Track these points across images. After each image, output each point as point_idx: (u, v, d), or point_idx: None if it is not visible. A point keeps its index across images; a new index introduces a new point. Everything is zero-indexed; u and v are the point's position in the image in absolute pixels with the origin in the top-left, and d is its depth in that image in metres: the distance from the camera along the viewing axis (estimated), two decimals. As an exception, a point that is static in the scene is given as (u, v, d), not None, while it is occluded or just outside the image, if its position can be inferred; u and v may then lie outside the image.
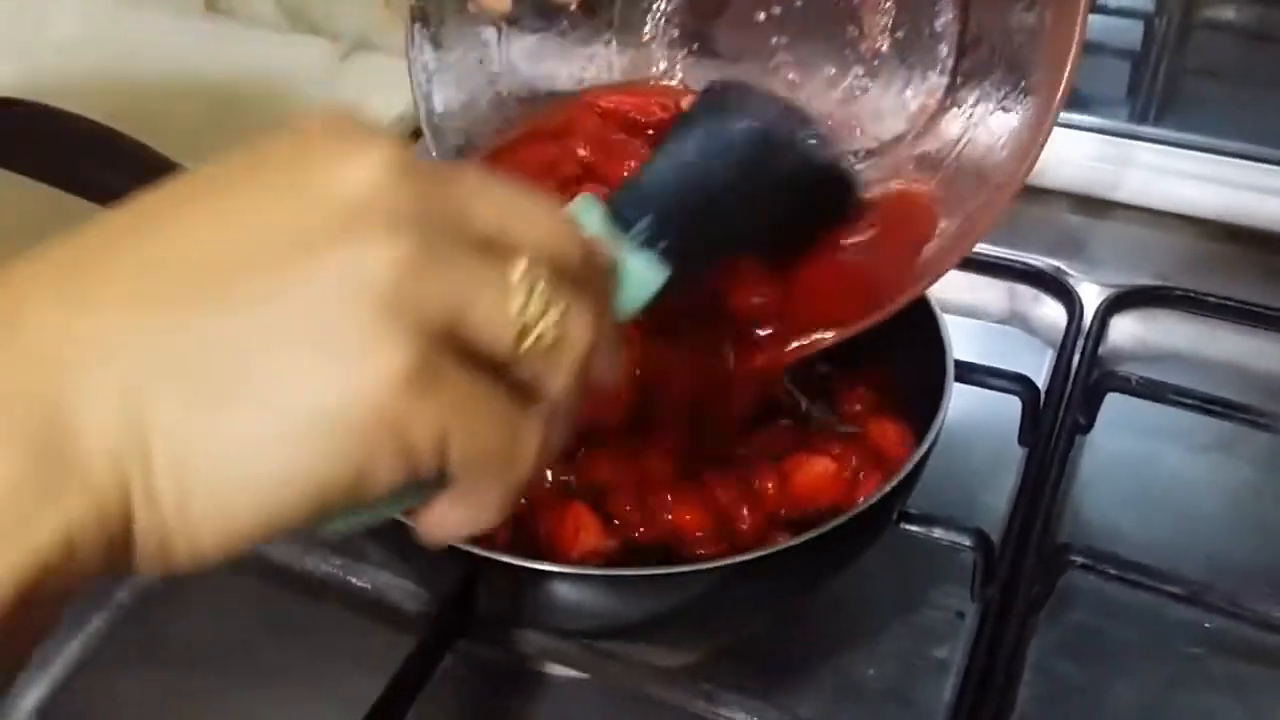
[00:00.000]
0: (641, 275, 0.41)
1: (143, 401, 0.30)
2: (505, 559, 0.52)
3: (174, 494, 0.30)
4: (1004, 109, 0.58)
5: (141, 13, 1.15)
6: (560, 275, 0.34)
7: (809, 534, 0.54)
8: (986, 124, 0.60)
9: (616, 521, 0.56)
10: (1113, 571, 0.61)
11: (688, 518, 0.57)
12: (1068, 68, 0.50)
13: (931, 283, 0.58)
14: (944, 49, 0.61)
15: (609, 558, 0.55)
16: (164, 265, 0.31)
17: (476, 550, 0.52)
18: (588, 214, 0.41)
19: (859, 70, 0.62)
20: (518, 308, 0.33)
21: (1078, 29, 0.50)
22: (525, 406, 0.34)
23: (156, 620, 0.65)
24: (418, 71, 0.61)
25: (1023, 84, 0.57)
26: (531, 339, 0.33)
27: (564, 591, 0.53)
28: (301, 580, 0.62)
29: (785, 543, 0.53)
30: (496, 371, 0.33)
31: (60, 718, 0.60)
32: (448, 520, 0.36)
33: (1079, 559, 0.61)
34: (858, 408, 0.68)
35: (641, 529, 0.57)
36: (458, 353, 0.32)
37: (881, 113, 0.62)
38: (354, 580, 0.60)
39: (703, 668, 0.61)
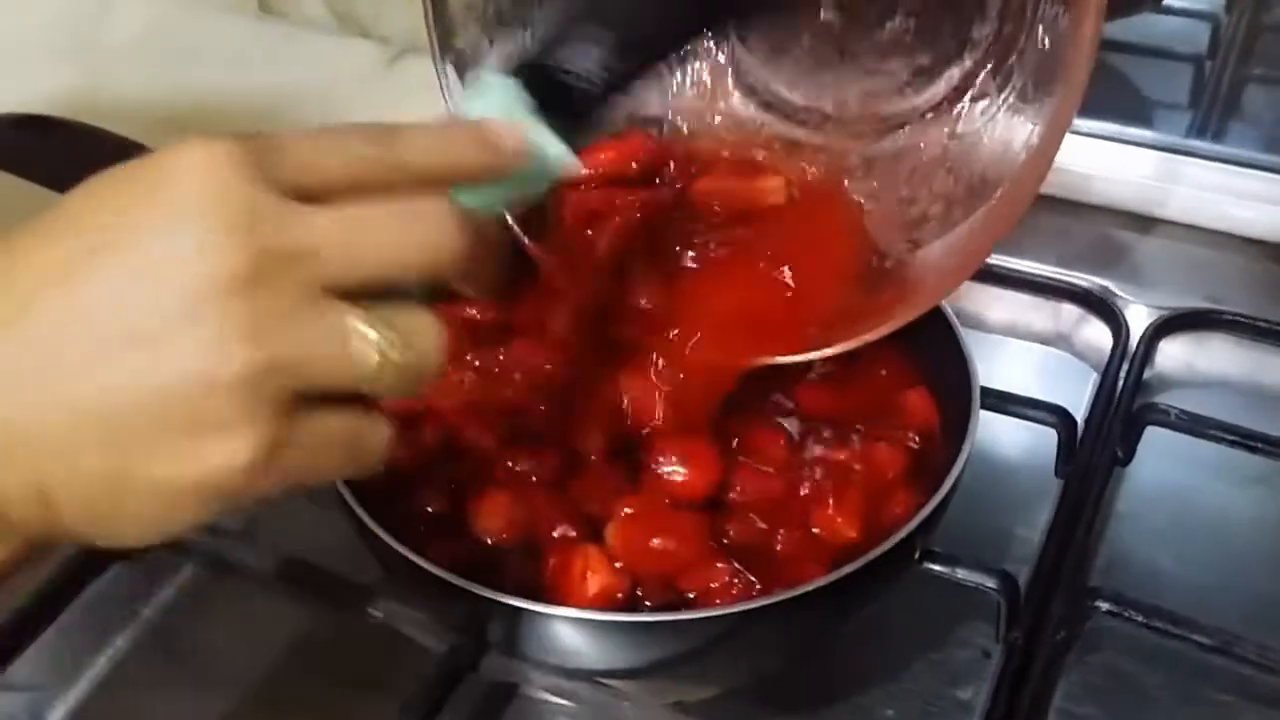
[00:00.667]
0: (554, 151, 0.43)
1: (42, 484, 0.35)
2: (512, 601, 0.52)
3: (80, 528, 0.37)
4: (1021, 110, 0.57)
5: (197, 14, 1.16)
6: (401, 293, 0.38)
7: (827, 577, 0.53)
8: (1002, 123, 0.58)
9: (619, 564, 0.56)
10: (1140, 619, 0.59)
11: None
12: (1080, 72, 0.48)
13: (939, 297, 0.57)
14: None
15: (621, 601, 0.55)
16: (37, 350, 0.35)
17: (483, 591, 0.52)
18: (487, 97, 0.42)
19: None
20: (356, 354, 0.36)
21: (1089, 34, 0.48)
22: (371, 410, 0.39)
23: (180, 639, 0.66)
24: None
25: (1044, 87, 0.56)
26: (376, 369, 0.36)
27: (572, 634, 0.53)
28: (322, 605, 0.62)
29: (802, 587, 0.53)
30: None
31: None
32: None
33: (1105, 605, 0.60)
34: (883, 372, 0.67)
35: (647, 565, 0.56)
36: (308, 401, 0.36)
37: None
38: (370, 610, 0.60)
39: (716, 704, 0.61)
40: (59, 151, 0.71)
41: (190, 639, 0.66)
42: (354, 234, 0.36)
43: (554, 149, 0.44)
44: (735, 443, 0.62)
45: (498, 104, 0.43)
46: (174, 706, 0.63)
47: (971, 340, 0.80)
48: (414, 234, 0.37)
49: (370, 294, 0.36)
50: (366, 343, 0.36)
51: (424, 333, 0.38)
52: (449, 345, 0.38)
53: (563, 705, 0.60)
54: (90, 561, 0.64)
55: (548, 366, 0.64)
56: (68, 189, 0.68)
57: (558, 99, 0.45)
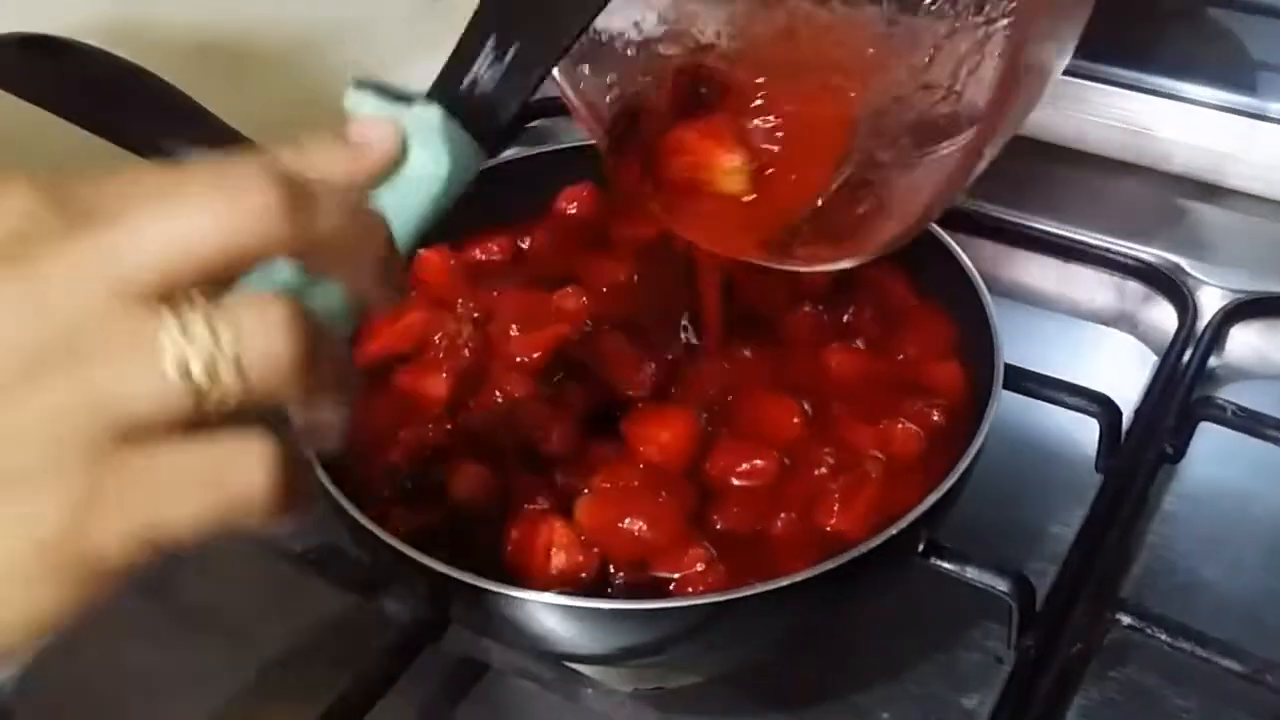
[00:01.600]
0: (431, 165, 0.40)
1: None
2: (472, 581, 0.48)
3: None
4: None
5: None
6: (222, 283, 0.31)
7: (810, 570, 0.49)
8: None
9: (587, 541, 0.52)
10: (1163, 637, 0.54)
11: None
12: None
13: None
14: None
15: (586, 581, 0.51)
16: None
17: (440, 567, 0.49)
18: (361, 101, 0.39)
19: None
20: (175, 367, 0.29)
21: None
22: (239, 430, 0.31)
23: (156, 586, 0.64)
24: None
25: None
26: (202, 387, 0.29)
27: (532, 616, 0.50)
28: (292, 563, 0.60)
29: (781, 580, 0.48)
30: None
31: (56, 679, 0.60)
32: None
33: (1127, 619, 0.54)
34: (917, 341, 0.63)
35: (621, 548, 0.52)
36: (137, 438, 0.29)
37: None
38: (334, 573, 0.57)
39: (695, 693, 0.57)
40: (65, 75, 0.69)
41: (166, 589, 0.64)
42: (157, 216, 0.30)
43: (452, 143, 0.40)
44: (739, 417, 0.58)
45: (372, 105, 0.40)
46: (134, 653, 0.61)
47: (1022, 316, 0.76)
48: (232, 199, 0.30)
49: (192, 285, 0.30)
50: (185, 355, 0.29)
51: (262, 322, 0.30)
52: (302, 332, 0.31)
53: (529, 687, 0.56)
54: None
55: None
56: (72, 113, 0.67)
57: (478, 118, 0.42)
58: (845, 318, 0.64)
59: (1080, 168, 0.84)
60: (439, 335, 0.60)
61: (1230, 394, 0.68)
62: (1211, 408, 0.64)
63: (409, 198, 0.40)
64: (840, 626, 0.59)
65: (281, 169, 0.31)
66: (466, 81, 0.43)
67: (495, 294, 0.63)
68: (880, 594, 0.56)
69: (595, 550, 0.51)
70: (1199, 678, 0.56)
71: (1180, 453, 0.65)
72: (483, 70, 0.42)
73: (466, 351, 0.59)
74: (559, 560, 0.51)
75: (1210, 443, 0.66)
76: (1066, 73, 0.84)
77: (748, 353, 0.61)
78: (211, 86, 0.67)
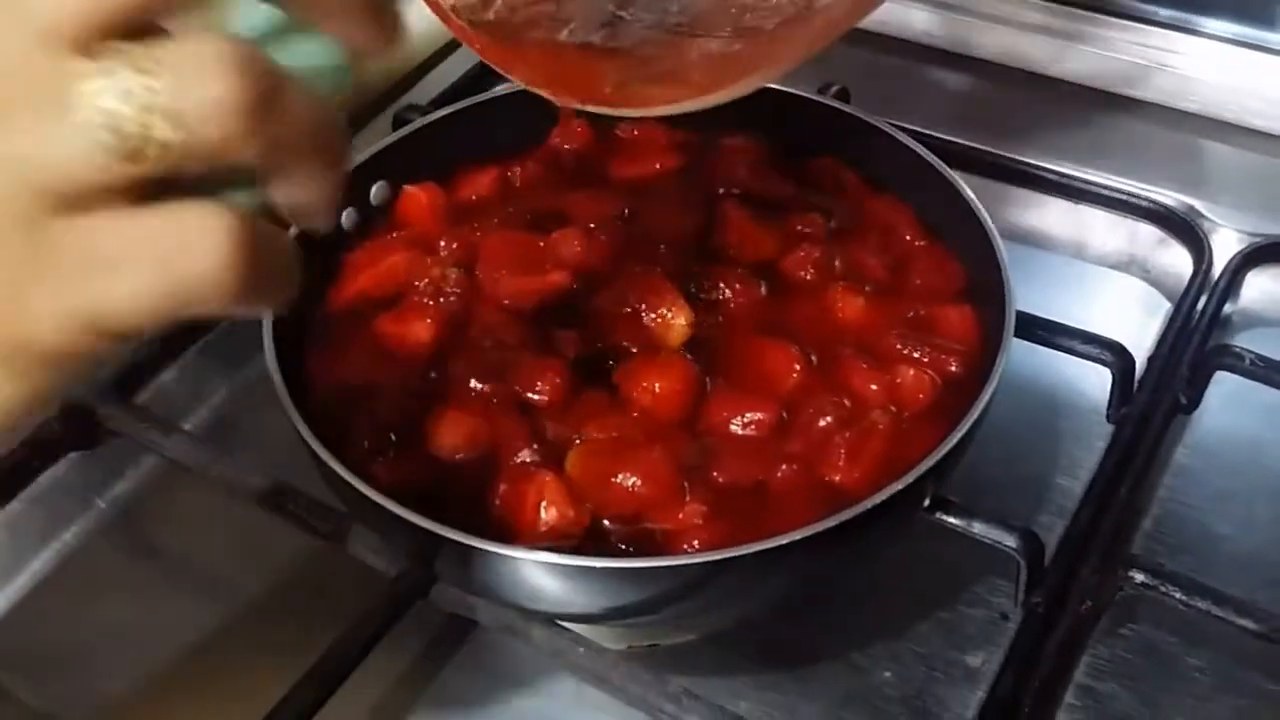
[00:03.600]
0: None
1: None
2: (457, 537, 0.46)
3: None
4: None
5: None
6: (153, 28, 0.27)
7: (810, 528, 0.47)
8: None
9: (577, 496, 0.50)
10: (1178, 595, 0.52)
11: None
12: None
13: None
14: None
15: (578, 537, 0.49)
16: None
17: (423, 522, 0.46)
18: None
19: None
20: (103, 121, 0.26)
21: None
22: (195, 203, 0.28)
23: (132, 535, 0.62)
24: None
25: None
26: (141, 137, 0.26)
27: (519, 574, 0.47)
28: (275, 515, 0.57)
29: (780, 538, 0.46)
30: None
31: (24, 628, 0.58)
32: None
33: (1140, 576, 0.52)
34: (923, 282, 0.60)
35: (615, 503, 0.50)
36: (71, 211, 0.26)
37: None
38: (317, 523, 0.55)
39: (690, 651, 0.55)
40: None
41: (144, 531, 0.62)
42: None
43: None
44: (737, 366, 0.55)
45: None
46: (120, 602, 0.59)
47: (1030, 259, 0.73)
48: None
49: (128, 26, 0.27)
50: (113, 107, 0.26)
51: (200, 62, 0.26)
52: (252, 73, 0.27)
53: (520, 643, 0.54)
54: (43, 447, 0.61)
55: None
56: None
57: None
58: (848, 257, 0.61)
59: (1092, 106, 0.81)
60: (423, 279, 0.57)
61: (1245, 341, 0.66)
62: (1228, 356, 0.61)
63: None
64: (840, 583, 0.57)
65: None
66: None
67: (479, 234, 0.60)
68: (883, 550, 0.54)
69: (587, 505, 0.49)
70: (1212, 636, 0.54)
71: (1195, 402, 0.62)
72: None
73: (452, 296, 0.57)
74: (550, 516, 0.48)
75: (1222, 391, 0.63)
76: (1081, 6, 0.82)
77: (742, 297, 0.58)
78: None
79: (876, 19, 0.88)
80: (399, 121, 0.75)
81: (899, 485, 0.48)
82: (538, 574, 0.47)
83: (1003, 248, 0.57)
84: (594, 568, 0.46)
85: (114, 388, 0.62)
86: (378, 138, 0.71)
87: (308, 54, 0.32)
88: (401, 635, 0.53)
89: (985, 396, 0.51)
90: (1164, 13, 0.80)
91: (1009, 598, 0.56)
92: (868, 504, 0.48)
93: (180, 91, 0.26)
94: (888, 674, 0.55)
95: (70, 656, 0.57)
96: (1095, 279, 0.74)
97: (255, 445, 0.62)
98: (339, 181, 0.32)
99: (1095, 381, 0.62)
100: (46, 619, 0.59)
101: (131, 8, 0.26)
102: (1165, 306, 0.70)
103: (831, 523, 0.47)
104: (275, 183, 0.30)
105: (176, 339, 0.67)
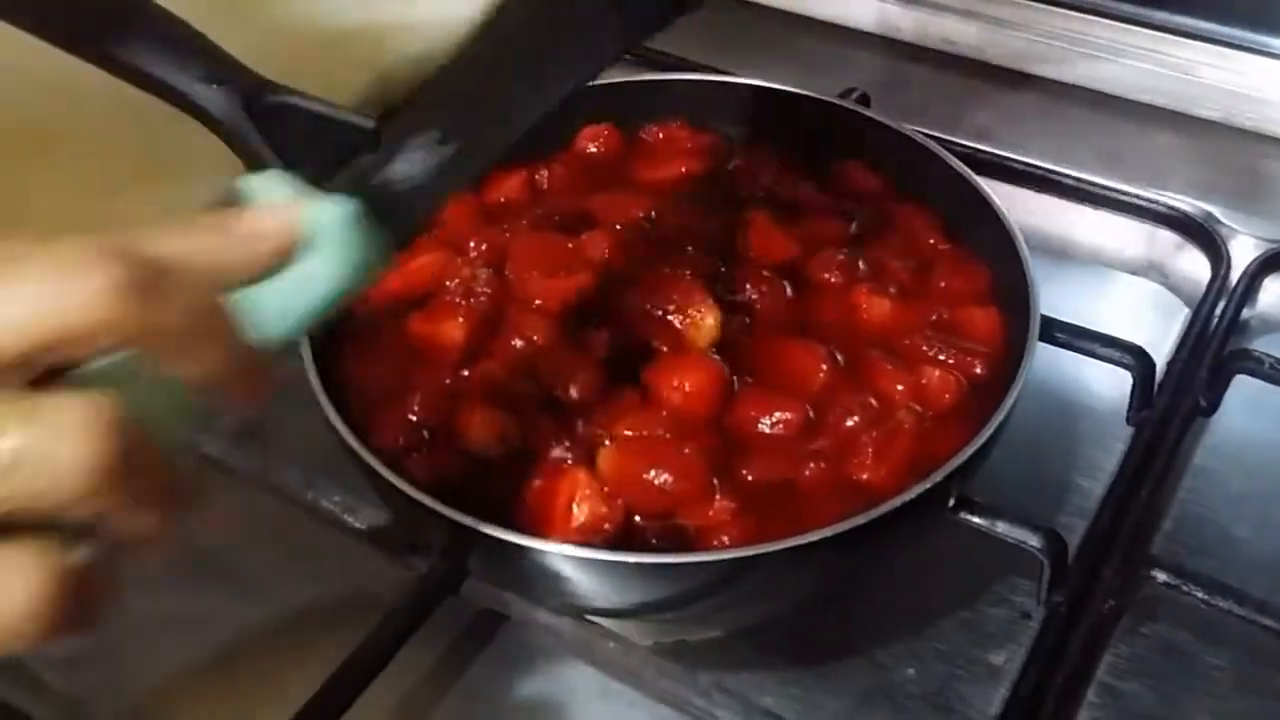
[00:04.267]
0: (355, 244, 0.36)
1: None
2: (491, 531, 0.47)
3: None
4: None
5: None
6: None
7: (838, 526, 0.47)
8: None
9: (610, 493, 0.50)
10: (1200, 595, 0.52)
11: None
12: None
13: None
14: None
15: (610, 534, 0.50)
16: None
17: (462, 519, 0.47)
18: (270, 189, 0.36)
19: None
20: None
21: None
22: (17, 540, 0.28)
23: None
24: None
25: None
26: None
27: (553, 569, 0.48)
28: (308, 511, 0.58)
29: (809, 535, 0.47)
30: None
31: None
32: None
33: (1163, 575, 0.53)
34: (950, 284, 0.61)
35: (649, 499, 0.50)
36: None
37: None
38: (350, 520, 0.56)
39: (716, 648, 0.56)
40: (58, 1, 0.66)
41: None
42: None
43: (357, 241, 0.37)
44: (765, 365, 0.56)
45: (272, 190, 0.37)
46: (150, 591, 0.60)
47: (1050, 263, 0.74)
48: (65, 277, 0.28)
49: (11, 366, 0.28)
50: None
51: (67, 423, 0.28)
52: (113, 439, 0.28)
53: (549, 639, 0.55)
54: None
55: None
56: (64, 41, 0.64)
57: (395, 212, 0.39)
58: (873, 260, 0.62)
59: (1111, 113, 0.82)
60: (454, 279, 0.58)
61: (1263, 345, 0.66)
62: (1248, 360, 0.62)
63: (296, 295, 0.36)
64: (863, 580, 0.58)
65: (136, 250, 0.29)
66: (399, 171, 0.40)
67: (508, 235, 0.61)
68: (908, 548, 0.55)
69: (619, 502, 0.50)
70: (1232, 635, 0.55)
71: (1214, 406, 0.63)
72: (419, 162, 0.40)
73: (483, 296, 0.57)
74: (582, 513, 0.49)
75: (1240, 395, 0.64)
76: (1100, 14, 0.83)
77: (769, 299, 0.59)
78: (216, 16, 0.64)
79: (895, 25, 0.90)
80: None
81: (925, 485, 0.49)
82: (570, 568, 0.48)
83: (1027, 252, 0.58)
84: (626, 563, 0.47)
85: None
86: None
87: (166, 396, 0.32)
88: (431, 631, 0.54)
89: (1010, 399, 0.52)
90: (1187, 23, 0.80)
91: (1030, 596, 0.57)
92: (895, 503, 0.48)
93: (43, 450, 0.27)
94: (910, 671, 0.56)
95: (102, 649, 0.57)
96: (1114, 283, 0.75)
97: (288, 443, 0.62)
98: (180, 519, 0.33)
99: (1114, 384, 0.63)
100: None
101: (31, 353, 0.28)
102: (1183, 311, 0.71)
103: (859, 520, 0.47)
104: (118, 521, 0.31)
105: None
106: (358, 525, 0.56)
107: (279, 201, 0.36)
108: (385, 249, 0.38)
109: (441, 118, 0.42)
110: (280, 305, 0.35)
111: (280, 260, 0.35)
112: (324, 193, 0.37)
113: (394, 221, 0.39)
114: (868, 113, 0.69)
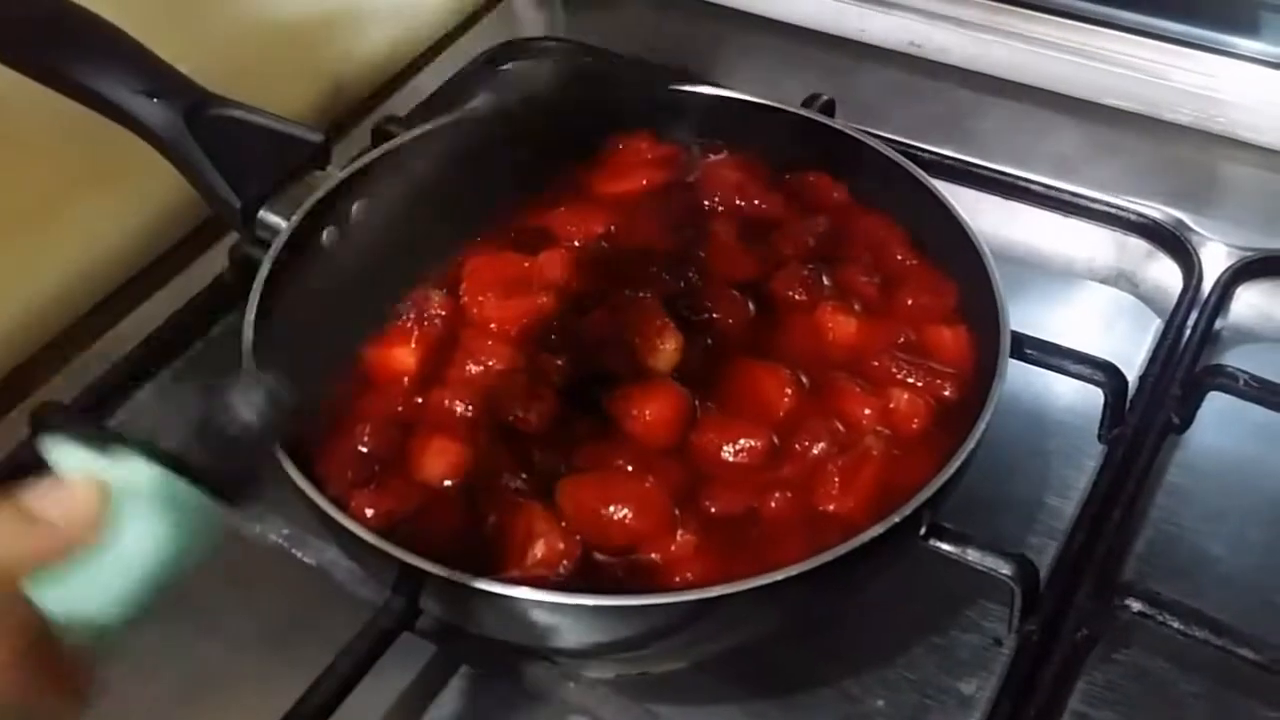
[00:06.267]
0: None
1: None
2: (441, 572, 0.45)
3: None
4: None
5: None
6: None
7: (807, 563, 0.46)
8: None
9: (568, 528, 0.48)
10: (1176, 625, 0.51)
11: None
12: None
13: None
14: None
15: (568, 570, 0.48)
16: None
17: (409, 558, 0.45)
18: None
19: None
20: None
21: None
22: None
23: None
24: None
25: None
26: None
27: (510, 611, 0.46)
28: (264, 545, 0.56)
29: (775, 574, 0.45)
30: None
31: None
32: None
33: (1137, 605, 0.52)
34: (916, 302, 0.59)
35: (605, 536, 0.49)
36: None
37: None
38: (300, 555, 0.54)
39: (680, 681, 0.54)
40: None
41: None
42: None
43: (179, 507, 0.34)
44: (728, 390, 0.54)
45: (77, 459, 0.34)
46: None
47: (1017, 272, 0.72)
48: None
49: None
50: None
51: None
52: None
53: (508, 679, 0.53)
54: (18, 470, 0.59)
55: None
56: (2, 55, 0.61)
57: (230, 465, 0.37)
58: (838, 276, 0.60)
59: (1080, 116, 0.80)
60: (405, 301, 0.56)
61: (1236, 358, 0.65)
62: (1222, 376, 0.61)
63: (112, 575, 0.33)
64: (830, 608, 0.56)
65: None
66: (223, 423, 0.37)
67: (463, 256, 0.58)
68: (876, 579, 0.53)
69: (577, 537, 0.48)
70: (1208, 662, 0.54)
71: (1187, 422, 0.62)
72: (243, 411, 0.37)
73: (437, 319, 0.55)
74: (539, 549, 0.47)
75: (1213, 409, 0.63)
76: (1068, 16, 0.81)
77: (732, 318, 0.57)
78: (156, 28, 0.62)
79: (858, 26, 0.88)
80: (378, 133, 0.74)
81: (895, 518, 0.48)
82: (525, 610, 0.46)
83: (996, 271, 0.56)
84: (584, 605, 0.45)
85: (85, 409, 0.60)
86: (356, 149, 0.70)
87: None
88: (389, 665, 0.52)
89: (981, 425, 0.50)
90: (1157, 24, 0.79)
91: (1002, 622, 0.55)
92: (863, 537, 0.47)
93: None
94: (880, 702, 0.54)
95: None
96: (1084, 293, 0.73)
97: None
98: None
99: (1086, 398, 0.61)
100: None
101: None
102: (1155, 322, 0.69)
103: (826, 558, 0.46)
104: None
105: (150, 358, 0.66)
106: (307, 560, 0.54)
107: (83, 471, 0.33)
108: (213, 511, 0.36)
109: (281, 359, 0.39)
110: (93, 589, 0.33)
111: (85, 545, 0.33)
112: (138, 456, 0.34)
113: (230, 477, 0.36)
114: (831, 122, 0.68)
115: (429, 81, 0.84)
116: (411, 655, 0.54)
